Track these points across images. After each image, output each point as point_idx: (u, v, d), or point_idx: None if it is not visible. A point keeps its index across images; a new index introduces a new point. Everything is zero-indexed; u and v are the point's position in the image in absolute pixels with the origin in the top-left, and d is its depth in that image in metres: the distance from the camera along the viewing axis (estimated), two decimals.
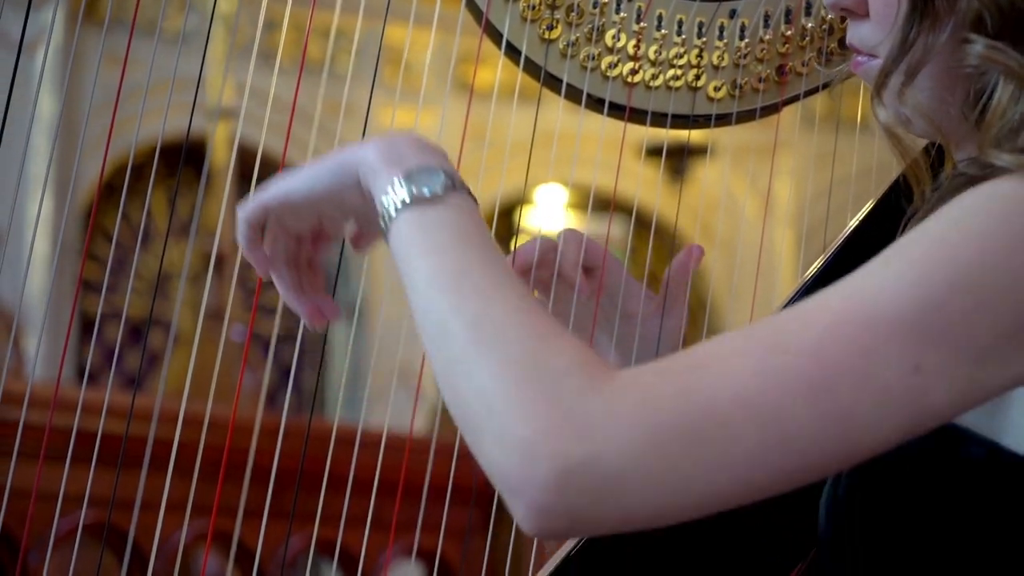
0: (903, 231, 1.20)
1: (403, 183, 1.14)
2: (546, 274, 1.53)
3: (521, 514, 1.00)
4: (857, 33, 1.29)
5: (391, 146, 1.17)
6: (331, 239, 1.32)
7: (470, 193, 1.15)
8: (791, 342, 1.02)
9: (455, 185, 1.14)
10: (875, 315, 1.02)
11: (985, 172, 1.13)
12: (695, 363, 1.03)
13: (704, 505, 1.01)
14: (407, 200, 1.13)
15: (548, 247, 1.53)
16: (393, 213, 1.13)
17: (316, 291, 1.32)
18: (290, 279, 1.30)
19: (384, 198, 1.14)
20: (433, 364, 1.07)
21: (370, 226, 1.27)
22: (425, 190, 1.13)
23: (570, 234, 1.54)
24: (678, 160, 6.51)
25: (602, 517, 1.00)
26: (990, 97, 1.19)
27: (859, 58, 1.30)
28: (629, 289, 1.56)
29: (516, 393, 1.01)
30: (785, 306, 1.50)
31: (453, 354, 1.05)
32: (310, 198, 1.24)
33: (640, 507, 1.00)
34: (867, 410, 1.01)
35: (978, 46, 1.19)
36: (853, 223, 1.53)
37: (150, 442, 1.45)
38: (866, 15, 1.27)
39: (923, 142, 1.36)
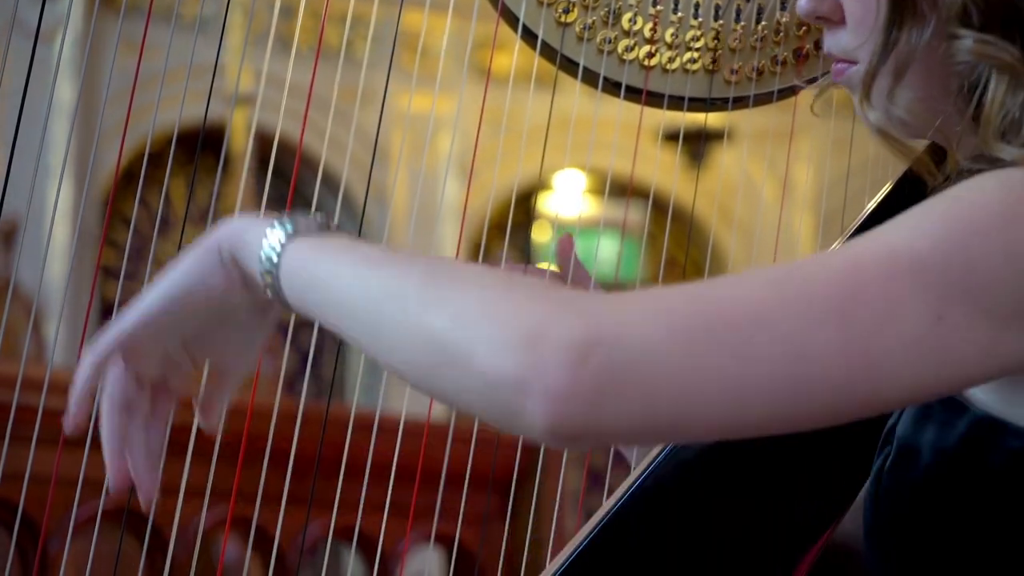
0: None
1: (278, 225, 1.09)
2: None
3: (534, 411, 0.90)
4: (835, 41, 1.26)
5: (251, 218, 1.12)
6: (172, 398, 1.21)
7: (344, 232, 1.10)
8: (810, 275, 0.99)
9: (331, 227, 1.09)
10: (899, 261, 1.00)
11: (995, 165, 1.12)
12: (707, 283, 0.98)
13: (724, 414, 0.95)
14: (288, 233, 1.08)
15: None
16: (278, 250, 1.08)
17: (143, 456, 1.20)
18: (118, 426, 1.19)
19: (262, 243, 1.08)
20: (380, 342, 0.99)
21: (226, 358, 1.20)
22: (303, 225, 1.08)
23: None
24: (696, 145, 6.51)
25: (621, 407, 0.91)
26: (984, 91, 1.15)
27: (838, 66, 1.27)
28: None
29: (503, 302, 0.94)
30: None
31: (408, 309, 0.96)
32: (169, 307, 1.16)
33: (659, 399, 0.92)
34: (889, 348, 0.98)
35: (967, 41, 1.16)
36: (871, 206, 1.53)
37: (168, 428, 1.45)
38: (842, 21, 1.24)
39: (924, 142, 1.35)
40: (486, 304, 0.94)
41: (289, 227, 1.08)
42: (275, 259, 1.08)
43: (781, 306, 0.96)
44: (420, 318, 0.95)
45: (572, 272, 1.56)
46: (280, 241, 1.08)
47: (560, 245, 1.57)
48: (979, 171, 1.10)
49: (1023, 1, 1.15)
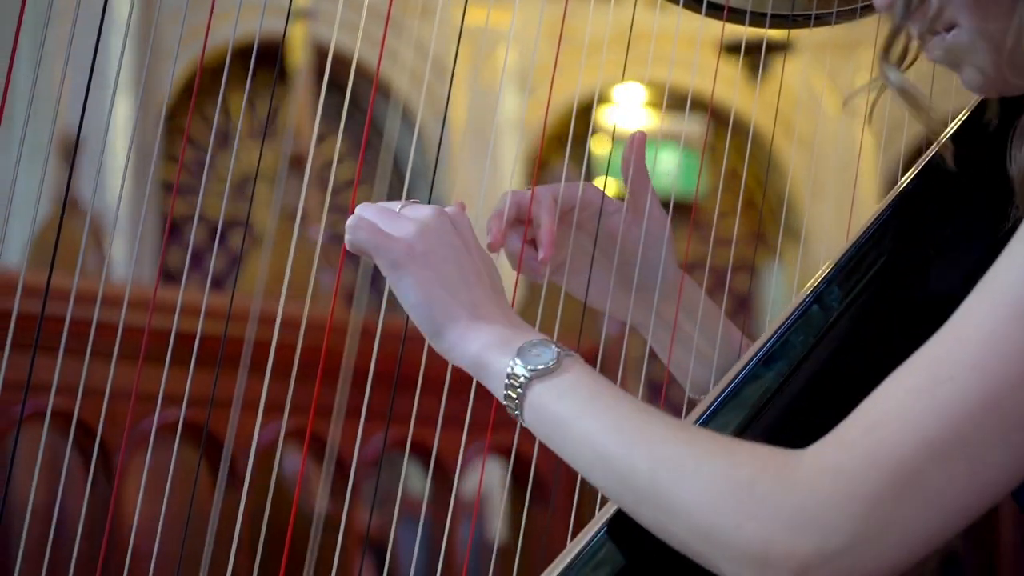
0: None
1: (518, 362, 1.16)
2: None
3: None
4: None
5: (491, 334, 1.20)
6: None
7: (572, 354, 1.17)
8: (952, 366, 1.02)
9: (562, 351, 1.16)
10: None
11: None
12: (871, 423, 1.03)
13: (935, 540, 1.04)
14: (527, 376, 1.16)
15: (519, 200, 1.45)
16: (519, 391, 1.16)
17: None
18: None
19: (506, 382, 1.17)
20: (631, 513, 1.12)
21: None
22: (540, 364, 1.16)
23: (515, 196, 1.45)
24: (756, 57, 6.45)
25: None
26: None
27: (933, 39, 1.24)
28: (607, 208, 1.49)
29: (722, 520, 1.04)
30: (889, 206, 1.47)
31: (648, 506, 1.09)
32: None
33: (881, 567, 1.03)
34: None
35: None
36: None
37: (248, 345, 1.46)
38: None
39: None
40: (711, 518, 1.05)
41: (526, 371, 1.16)
42: (518, 396, 1.16)
43: (939, 424, 1.01)
44: (659, 519, 1.09)
45: (632, 179, 1.50)
46: (520, 384, 1.16)
47: (634, 152, 1.50)
48: None
49: None
